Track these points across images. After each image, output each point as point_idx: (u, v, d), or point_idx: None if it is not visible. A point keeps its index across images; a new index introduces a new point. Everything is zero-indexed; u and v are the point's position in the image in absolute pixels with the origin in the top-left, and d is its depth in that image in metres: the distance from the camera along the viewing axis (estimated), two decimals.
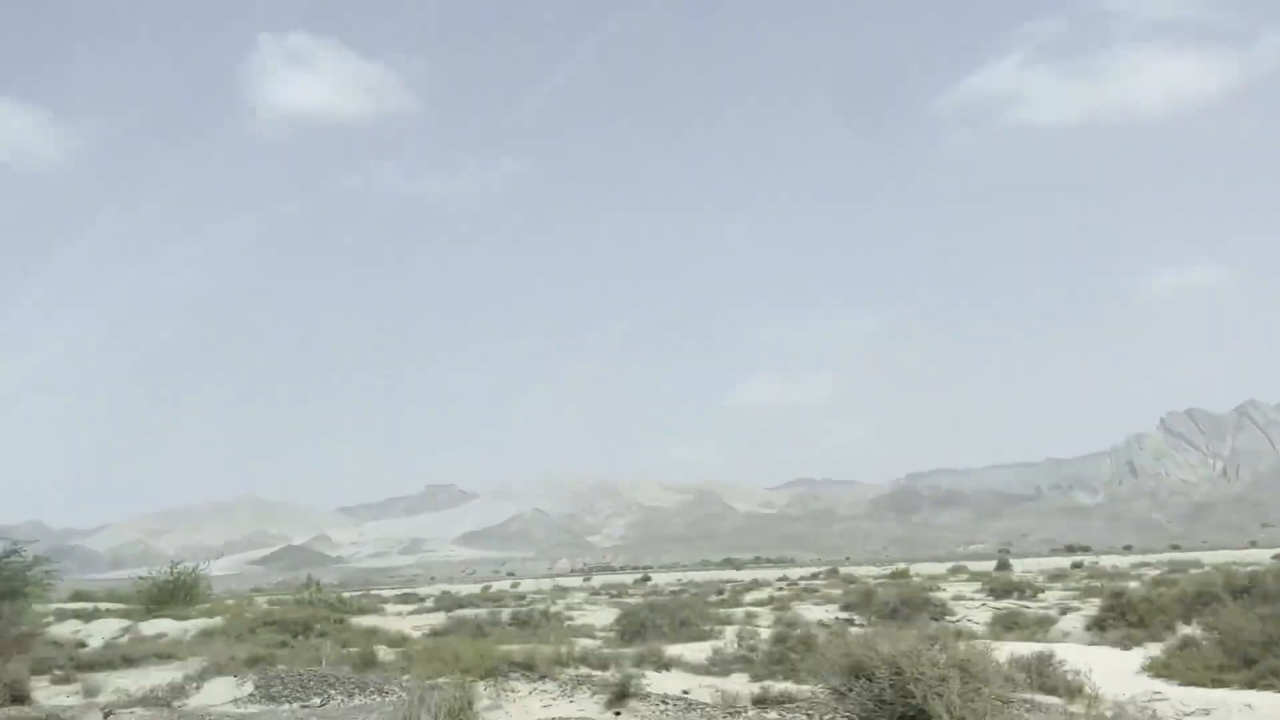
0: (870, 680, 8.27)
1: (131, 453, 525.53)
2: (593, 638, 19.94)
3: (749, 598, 35.74)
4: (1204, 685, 11.59)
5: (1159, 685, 11.74)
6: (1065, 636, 18.23)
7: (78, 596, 38.13)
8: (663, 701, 10.76)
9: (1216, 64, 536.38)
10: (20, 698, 13.73)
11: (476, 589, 65.21)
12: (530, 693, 11.41)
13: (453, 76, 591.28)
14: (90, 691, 14.45)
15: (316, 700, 12.82)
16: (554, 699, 11.22)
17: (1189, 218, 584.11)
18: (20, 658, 16.16)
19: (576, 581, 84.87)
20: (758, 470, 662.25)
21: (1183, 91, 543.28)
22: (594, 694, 11.20)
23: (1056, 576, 41.81)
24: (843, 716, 9.05)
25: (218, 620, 23.73)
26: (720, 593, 40.20)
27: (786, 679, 12.16)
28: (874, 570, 69.47)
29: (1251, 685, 11.33)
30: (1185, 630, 15.41)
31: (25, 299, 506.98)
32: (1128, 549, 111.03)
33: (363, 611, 29.66)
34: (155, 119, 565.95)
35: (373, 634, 20.19)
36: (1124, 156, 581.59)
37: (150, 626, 24.07)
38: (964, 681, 7.99)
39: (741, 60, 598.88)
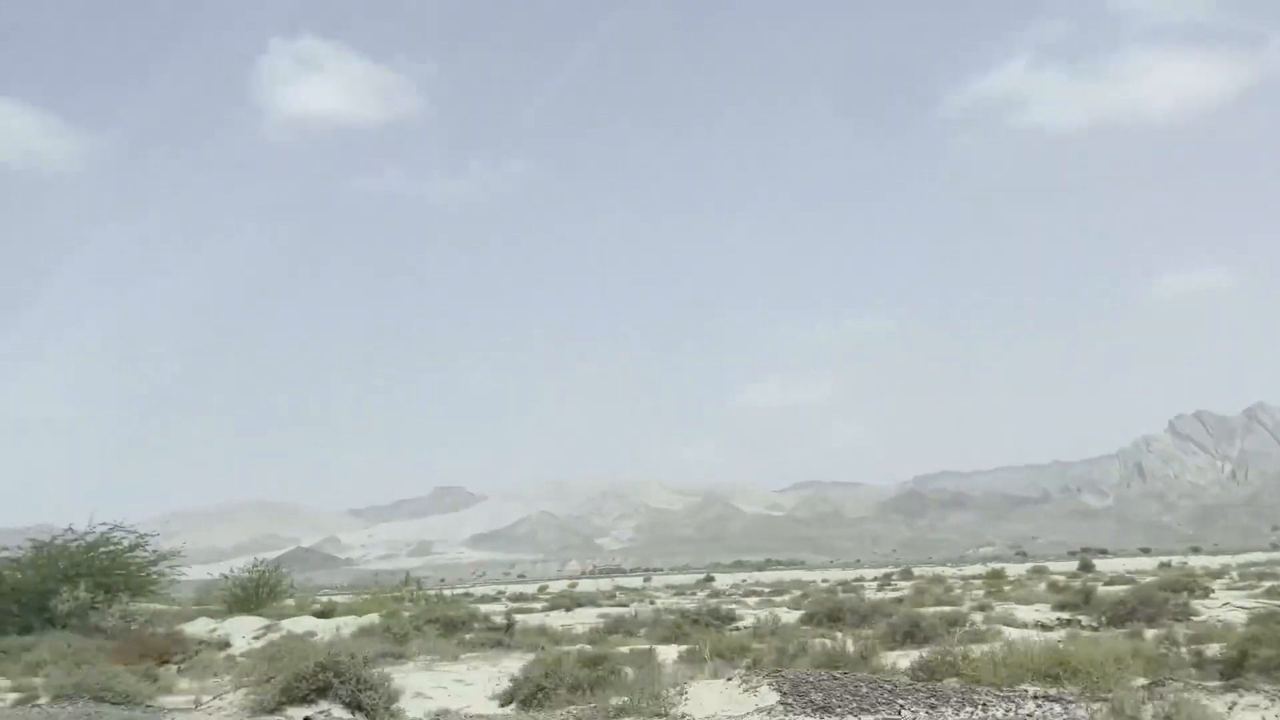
0: None
1: (139, 454, 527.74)
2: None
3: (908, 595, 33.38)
4: None
5: None
6: None
7: None
8: None
9: (1225, 66, 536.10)
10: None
11: (566, 587, 62.14)
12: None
13: (461, 78, 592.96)
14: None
15: (886, 712, 9.23)
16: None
17: (1197, 220, 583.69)
18: (175, 661, 15.62)
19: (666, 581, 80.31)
20: (764, 472, 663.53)
21: (1191, 94, 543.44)
22: None
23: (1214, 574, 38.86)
24: None
25: (371, 617, 21.89)
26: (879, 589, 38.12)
27: None
28: (953, 571, 67.83)
29: None
30: None
31: (39, 299, 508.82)
32: (1149, 551, 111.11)
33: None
34: (165, 123, 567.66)
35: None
36: (1131, 159, 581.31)
37: (289, 625, 22.05)
38: None
39: (745, 61, 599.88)
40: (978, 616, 20.97)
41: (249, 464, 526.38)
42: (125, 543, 24.71)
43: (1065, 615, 21.40)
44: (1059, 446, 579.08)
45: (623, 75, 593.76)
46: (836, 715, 9.27)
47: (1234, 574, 41.12)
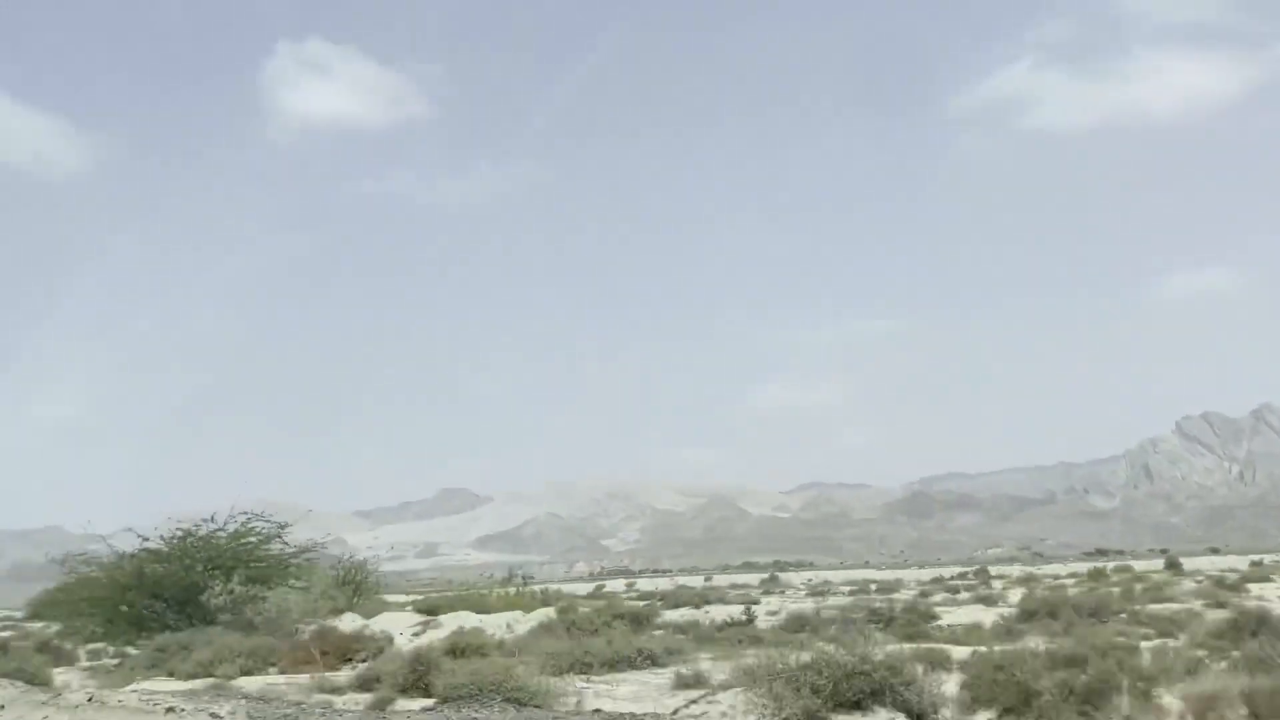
0: None
1: (148, 456, 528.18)
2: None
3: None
4: None
5: None
6: None
7: None
8: None
9: (1230, 67, 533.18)
10: None
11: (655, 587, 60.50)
12: None
13: (468, 81, 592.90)
14: None
15: None
16: None
17: (1204, 221, 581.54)
18: (359, 660, 14.54)
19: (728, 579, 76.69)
20: (770, 474, 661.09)
21: (1196, 94, 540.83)
22: None
23: None
24: None
25: (544, 613, 20.96)
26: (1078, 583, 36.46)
27: None
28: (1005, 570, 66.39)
29: None
30: None
31: (52, 307, 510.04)
32: (1162, 551, 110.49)
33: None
34: (173, 125, 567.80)
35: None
36: (1136, 159, 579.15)
37: (455, 621, 20.48)
38: None
39: (749, 64, 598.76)
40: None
41: (256, 465, 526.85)
42: (265, 533, 23.59)
43: None
44: (1065, 448, 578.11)
45: (629, 79, 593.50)
46: None
47: None
